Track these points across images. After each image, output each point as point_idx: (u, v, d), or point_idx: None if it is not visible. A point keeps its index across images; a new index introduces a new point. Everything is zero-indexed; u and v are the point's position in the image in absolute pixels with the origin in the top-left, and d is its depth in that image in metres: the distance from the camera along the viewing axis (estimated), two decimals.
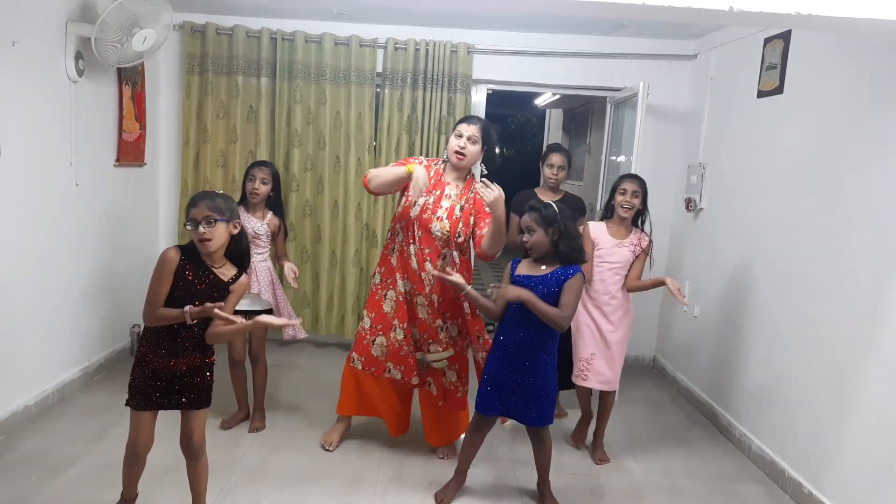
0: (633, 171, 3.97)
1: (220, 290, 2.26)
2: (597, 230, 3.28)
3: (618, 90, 4.61)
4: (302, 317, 4.77)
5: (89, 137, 3.72)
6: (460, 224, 2.97)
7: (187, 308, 2.14)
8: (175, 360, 2.25)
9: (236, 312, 3.28)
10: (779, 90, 3.42)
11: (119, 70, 3.94)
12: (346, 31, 4.53)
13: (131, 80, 4.13)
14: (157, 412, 2.32)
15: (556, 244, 2.59)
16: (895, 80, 2.63)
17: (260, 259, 3.35)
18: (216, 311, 2.13)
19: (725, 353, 3.80)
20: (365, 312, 3.15)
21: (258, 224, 3.33)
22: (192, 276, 2.20)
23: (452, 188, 3.01)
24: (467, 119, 3.05)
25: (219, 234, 2.19)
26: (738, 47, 3.93)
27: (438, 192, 2.99)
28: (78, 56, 3.51)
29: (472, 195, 2.99)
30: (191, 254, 2.22)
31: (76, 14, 3.51)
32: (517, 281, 2.66)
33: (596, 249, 3.24)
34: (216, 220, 2.18)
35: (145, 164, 4.40)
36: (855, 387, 2.71)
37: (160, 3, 3.49)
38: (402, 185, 2.99)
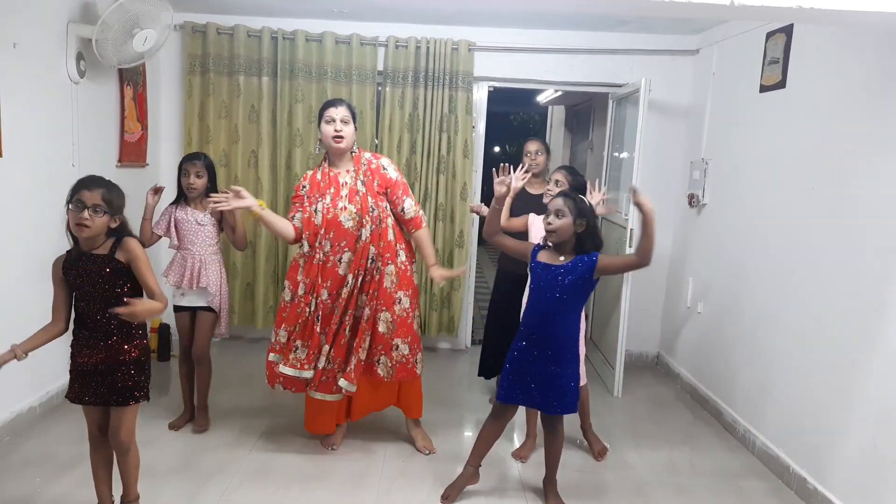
0: (634, 168, 3.96)
1: (101, 264, 2.20)
2: (533, 220, 3.29)
3: (620, 86, 4.60)
4: None
5: (91, 138, 3.72)
6: (369, 198, 2.96)
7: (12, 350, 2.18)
8: (87, 353, 2.24)
9: (181, 309, 3.31)
10: (781, 85, 3.40)
11: (120, 71, 3.95)
12: (346, 29, 4.53)
13: (133, 80, 4.14)
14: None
15: (580, 237, 2.57)
16: None
17: (211, 252, 3.28)
18: (129, 308, 2.09)
19: (729, 348, 3.79)
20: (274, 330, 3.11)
21: (200, 216, 3.27)
22: (78, 269, 2.20)
23: (344, 175, 3.00)
24: (332, 103, 2.99)
25: (97, 226, 2.16)
26: (740, 42, 3.92)
27: (333, 189, 2.97)
28: (79, 57, 3.52)
29: (365, 168, 2.99)
30: (69, 253, 2.23)
31: (77, 15, 3.52)
32: (537, 267, 2.64)
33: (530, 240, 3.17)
34: (103, 212, 2.15)
35: (147, 164, 4.41)
36: (859, 382, 2.70)
37: (161, 3, 3.49)
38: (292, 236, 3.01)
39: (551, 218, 2.58)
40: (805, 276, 3.10)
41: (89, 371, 2.25)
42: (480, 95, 4.77)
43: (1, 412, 3.14)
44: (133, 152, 4.21)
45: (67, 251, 2.25)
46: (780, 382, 3.25)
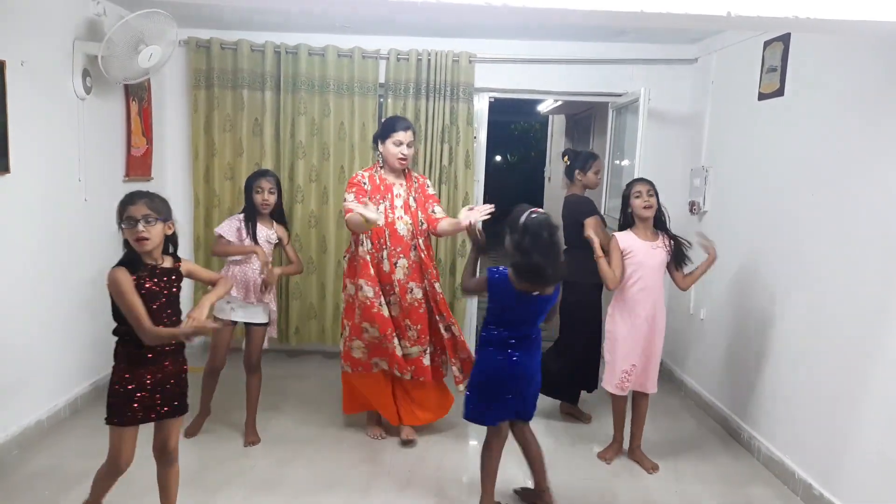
0: (636, 176, 3.98)
1: (172, 277, 2.27)
2: (625, 239, 3.23)
3: (619, 95, 4.64)
4: (303, 328, 4.80)
5: (97, 153, 3.77)
6: (420, 214, 3.33)
7: (183, 329, 2.20)
8: (155, 369, 2.25)
9: (223, 320, 3.30)
10: (779, 92, 3.44)
11: (126, 86, 3.99)
12: (348, 43, 4.58)
13: (138, 95, 4.19)
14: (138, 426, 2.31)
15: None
16: (895, 80, 2.64)
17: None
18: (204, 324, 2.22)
19: (733, 355, 3.80)
20: (344, 322, 3.39)
21: (271, 234, 3.36)
22: (146, 283, 2.19)
23: (398, 187, 3.32)
24: (400, 125, 3.29)
25: (156, 234, 2.18)
26: (738, 50, 3.96)
27: (390, 196, 3.29)
28: (85, 74, 3.57)
29: (416, 186, 3.37)
30: (131, 264, 2.19)
31: (83, 33, 3.57)
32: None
33: (631, 257, 3.20)
34: (155, 220, 2.17)
35: (152, 178, 4.44)
36: (864, 387, 2.71)
37: (165, 19, 3.54)
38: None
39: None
40: (807, 281, 3.11)
41: (154, 387, 2.24)
42: (481, 106, 4.81)
43: (9, 426, 3.15)
44: (139, 166, 4.26)
45: (119, 264, 2.19)
46: (785, 388, 3.26)
